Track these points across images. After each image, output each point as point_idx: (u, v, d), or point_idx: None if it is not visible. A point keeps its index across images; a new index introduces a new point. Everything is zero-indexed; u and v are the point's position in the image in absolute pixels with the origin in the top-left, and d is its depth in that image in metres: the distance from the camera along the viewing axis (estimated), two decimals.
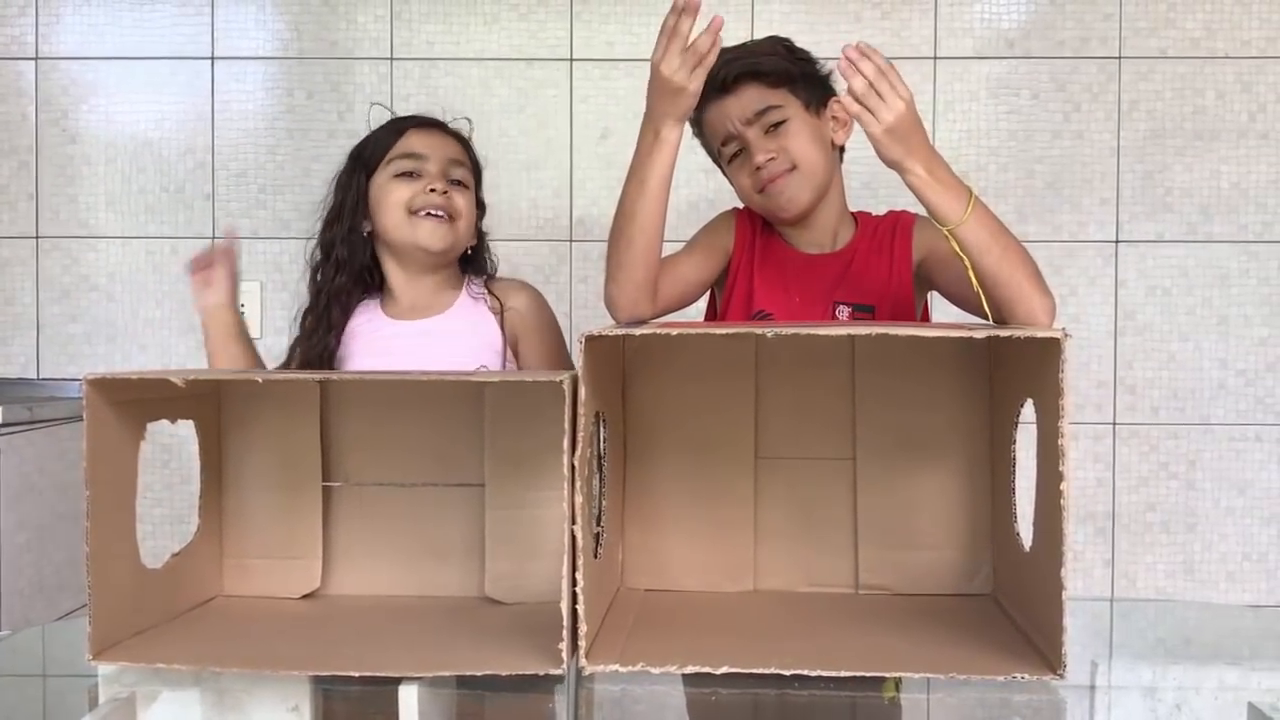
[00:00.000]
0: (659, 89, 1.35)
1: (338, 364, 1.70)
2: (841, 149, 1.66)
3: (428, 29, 2.50)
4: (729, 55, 1.55)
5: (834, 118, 1.61)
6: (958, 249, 1.33)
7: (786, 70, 1.60)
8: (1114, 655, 1.20)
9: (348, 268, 1.72)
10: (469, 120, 1.81)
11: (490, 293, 1.76)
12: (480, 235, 1.80)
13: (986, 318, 1.40)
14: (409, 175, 1.69)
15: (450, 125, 1.78)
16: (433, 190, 1.67)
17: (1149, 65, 2.45)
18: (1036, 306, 1.36)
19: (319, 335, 1.69)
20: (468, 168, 1.73)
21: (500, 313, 1.73)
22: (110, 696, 0.99)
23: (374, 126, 1.77)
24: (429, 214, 1.67)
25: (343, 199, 1.73)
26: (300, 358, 1.70)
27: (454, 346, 1.69)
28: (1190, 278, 2.46)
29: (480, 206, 1.79)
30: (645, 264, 1.46)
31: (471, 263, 1.80)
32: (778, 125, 1.57)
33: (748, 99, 1.57)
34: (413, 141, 1.71)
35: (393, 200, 1.68)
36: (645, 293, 1.49)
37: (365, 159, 1.73)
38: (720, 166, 1.67)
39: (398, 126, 1.74)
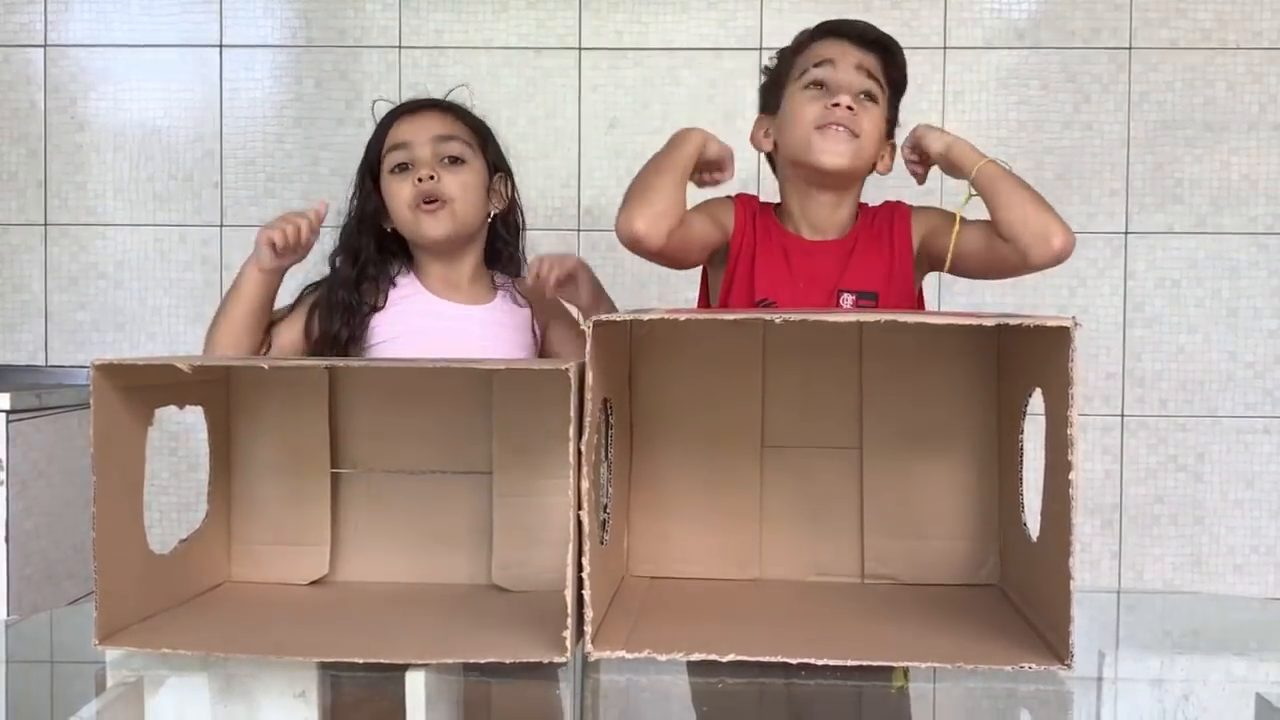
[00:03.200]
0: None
1: (373, 329, 1.70)
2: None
3: (436, 17, 2.50)
4: (873, 25, 1.68)
5: (883, 151, 1.69)
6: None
7: (902, 82, 1.69)
8: (1121, 647, 1.20)
9: (369, 270, 1.73)
10: (466, 87, 1.79)
11: (522, 295, 1.77)
12: (513, 211, 1.80)
13: (986, 276, 1.68)
14: (403, 167, 1.69)
15: (441, 99, 1.77)
16: (420, 180, 1.67)
17: (1159, 56, 2.44)
18: (1055, 229, 1.55)
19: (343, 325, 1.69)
20: (462, 139, 1.72)
21: (533, 316, 1.76)
22: (117, 681, 0.99)
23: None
24: (423, 206, 1.67)
25: (357, 206, 1.75)
26: (333, 325, 1.69)
27: (493, 339, 1.71)
28: (1199, 270, 2.45)
29: (498, 169, 1.77)
30: (670, 200, 1.56)
31: (499, 256, 1.80)
32: (869, 98, 1.63)
33: (870, 61, 1.64)
34: (399, 131, 1.71)
35: (396, 200, 1.69)
36: (664, 223, 1.55)
37: (369, 159, 1.74)
38: (779, 96, 1.68)
39: (387, 119, 1.74)
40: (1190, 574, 2.45)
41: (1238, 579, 2.45)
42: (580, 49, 2.49)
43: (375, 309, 1.70)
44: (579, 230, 2.47)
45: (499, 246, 1.80)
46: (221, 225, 2.52)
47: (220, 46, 2.52)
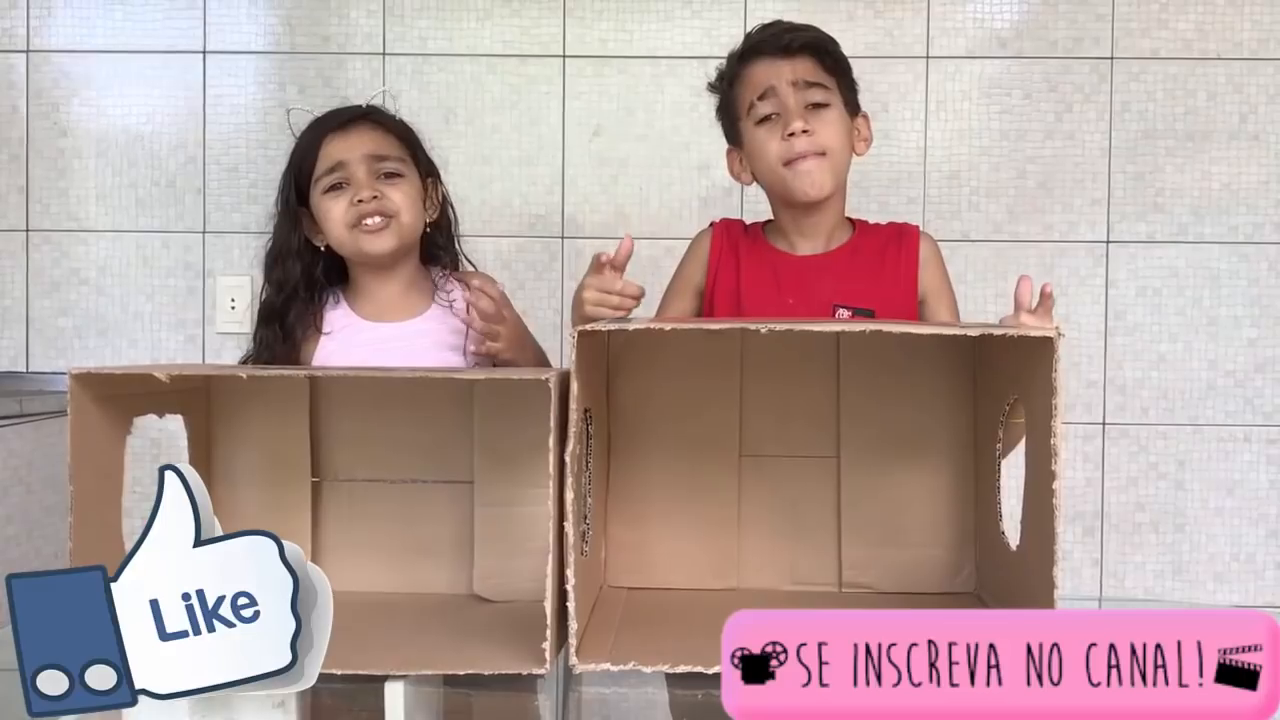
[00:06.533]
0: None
1: (316, 363, 1.67)
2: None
3: (420, 24, 2.50)
4: (794, 25, 1.61)
5: (856, 129, 1.64)
6: None
7: (843, 62, 1.62)
8: None
9: (299, 293, 1.69)
10: (386, 90, 1.76)
11: (456, 283, 1.73)
12: (445, 214, 1.76)
13: None
14: (337, 186, 1.65)
15: (367, 109, 1.73)
16: (360, 201, 1.63)
17: (1141, 66, 2.46)
18: None
19: (278, 348, 1.67)
20: (395, 156, 1.68)
21: (466, 332, 1.70)
22: None
23: (296, 133, 1.73)
24: (364, 225, 1.64)
25: (283, 227, 1.70)
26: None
27: (428, 347, 1.68)
28: (1180, 278, 2.47)
29: (434, 174, 1.74)
30: None
31: (434, 252, 1.77)
32: (819, 106, 1.58)
33: (804, 68, 1.58)
34: (330, 151, 1.67)
35: (332, 220, 1.65)
36: None
37: (297, 178, 1.70)
38: (738, 130, 1.64)
39: (315, 136, 1.69)
40: (1171, 582, 2.46)
41: (1218, 587, 2.46)
42: (564, 57, 2.49)
43: (317, 331, 1.68)
44: (563, 238, 2.47)
45: (435, 251, 1.77)
46: (204, 231, 2.51)
47: (204, 53, 2.51)
